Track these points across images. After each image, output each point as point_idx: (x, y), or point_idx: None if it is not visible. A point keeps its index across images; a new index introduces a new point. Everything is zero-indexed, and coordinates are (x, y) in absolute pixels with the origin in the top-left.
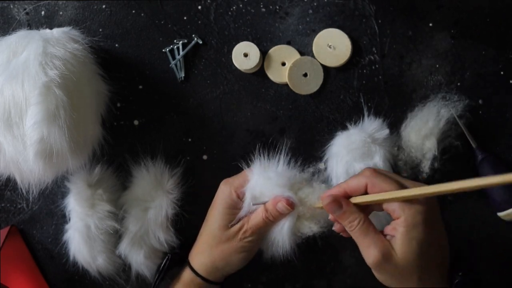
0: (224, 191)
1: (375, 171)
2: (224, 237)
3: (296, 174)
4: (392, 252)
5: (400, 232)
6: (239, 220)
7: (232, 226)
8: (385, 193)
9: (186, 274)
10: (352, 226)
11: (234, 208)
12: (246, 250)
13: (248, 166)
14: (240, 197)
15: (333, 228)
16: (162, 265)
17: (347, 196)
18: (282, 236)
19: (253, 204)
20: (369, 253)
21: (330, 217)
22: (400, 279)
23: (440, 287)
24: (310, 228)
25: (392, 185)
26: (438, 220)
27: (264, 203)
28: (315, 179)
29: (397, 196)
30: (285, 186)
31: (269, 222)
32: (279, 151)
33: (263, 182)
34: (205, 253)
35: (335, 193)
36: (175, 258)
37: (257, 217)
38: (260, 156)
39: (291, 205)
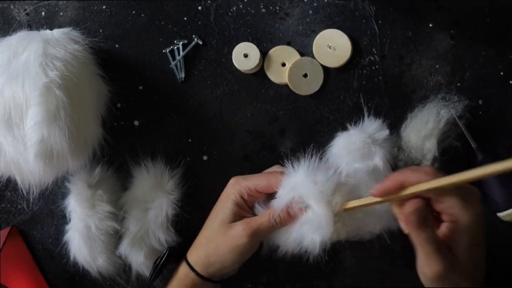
0: (232, 187)
1: (435, 169)
2: (221, 233)
3: (340, 183)
4: (456, 262)
5: (461, 237)
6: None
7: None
8: (444, 178)
9: (182, 269)
10: (427, 239)
11: (239, 207)
12: (239, 251)
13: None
14: (245, 199)
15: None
16: (159, 258)
17: (402, 186)
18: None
19: (298, 206)
20: (434, 267)
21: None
22: (456, 284)
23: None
24: (338, 234)
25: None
26: (484, 218)
27: (306, 206)
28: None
29: (468, 177)
30: (328, 193)
31: (274, 226)
32: (323, 156)
33: (308, 184)
34: (201, 247)
35: (392, 187)
36: (173, 253)
37: (262, 218)
38: (309, 157)
39: (302, 211)
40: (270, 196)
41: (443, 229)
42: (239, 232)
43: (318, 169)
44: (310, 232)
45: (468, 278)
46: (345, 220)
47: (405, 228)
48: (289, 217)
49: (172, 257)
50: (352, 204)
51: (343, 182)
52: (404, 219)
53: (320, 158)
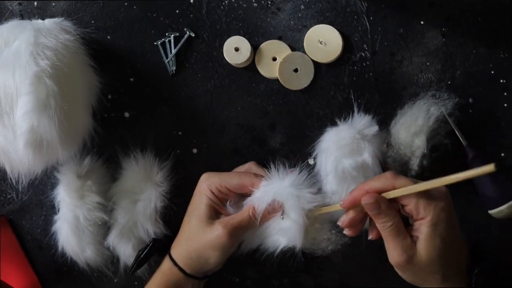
0: (203, 182)
1: (396, 173)
2: (201, 230)
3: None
4: (417, 254)
5: (425, 232)
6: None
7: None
8: (418, 184)
9: (166, 263)
10: (385, 226)
11: (212, 201)
12: (221, 248)
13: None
14: (216, 194)
15: (345, 233)
16: (143, 248)
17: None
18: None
19: (280, 215)
20: (395, 254)
21: (342, 221)
22: (424, 278)
23: (461, 284)
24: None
25: (412, 180)
26: (455, 216)
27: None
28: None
29: (432, 185)
30: (307, 212)
31: (252, 225)
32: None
33: (292, 198)
34: (182, 243)
35: (357, 196)
36: (158, 245)
37: (242, 215)
38: (297, 168)
39: (280, 207)
40: (242, 196)
41: (412, 227)
42: (219, 232)
43: (303, 184)
44: (281, 236)
45: (436, 274)
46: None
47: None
48: (268, 216)
49: (157, 249)
50: (323, 210)
51: (320, 206)
52: (366, 209)
53: (308, 172)
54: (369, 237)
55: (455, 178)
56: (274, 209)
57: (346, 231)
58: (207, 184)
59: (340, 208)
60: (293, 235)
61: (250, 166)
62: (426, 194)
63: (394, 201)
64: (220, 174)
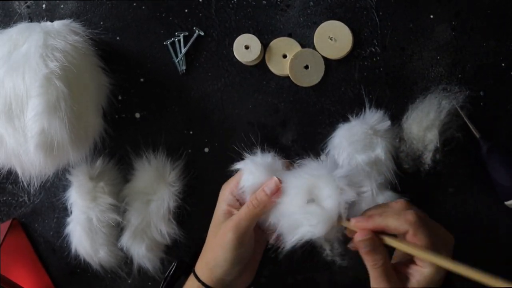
0: (223, 192)
1: (420, 219)
2: (213, 233)
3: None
4: None
5: (419, 281)
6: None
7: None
8: (425, 252)
9: (190, 281)
10: (375, 265)
11: (232, 206)
12: (229, 246)
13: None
14: (234, 196)
15: (348, 246)
16: (168, 272)
17: (379, 231)
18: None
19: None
20: None
21: (351, 245)
22: None
23: None
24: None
25: (430, 240)
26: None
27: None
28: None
29: (436, 261)
30: (275, 170)
31: (254, 211)
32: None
33: (254, 170)
34: (203, 255)
35: (371, 228)
36: (182, 266)
37: (242, 209)
38: (252, 150)
39: (278, 185)
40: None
41: (407, 264)
42: (224, 228)
43: (336, 165)
44: (307, 223)
45: None
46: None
47: (360, 251)
48: (266, 196)
49: (181, 270)
50: (349, 225)
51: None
52: (357, 245)
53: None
54: (349, 246)
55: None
56: (272, 190)
57: (350, 246)
58: (227, 189)
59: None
60: (321, 220)
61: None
62: (433, 243)
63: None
64: (232, 178)
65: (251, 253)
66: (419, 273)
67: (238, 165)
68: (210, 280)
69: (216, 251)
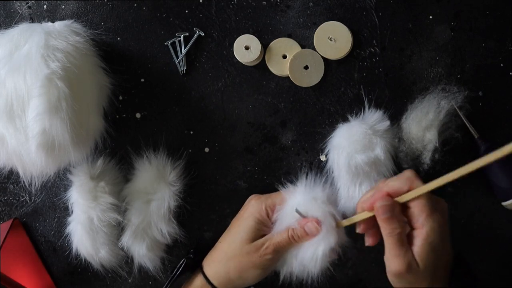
0: (255, 206)
1: (418, 174)
2: (244, 251)
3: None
4: (414, 264)
5: (422, 243)
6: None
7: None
8: (429, 184)
9: (198, 281)
10: (393, 232)
11: (263, 224)
12: (263, 267)
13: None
14: (269, 216)
15: (366, 243)
16: (176, 269)
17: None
18: (314, 260)
19: (296, 211)
20: (397, 263)
21: (360, 229)
22: (414, 284)
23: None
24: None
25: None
26: (448, 229)
27: (304, 217)
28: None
29: (440, 183)
30: (331, 206)
31: (293, 242)
32: (321, 175)
33: (309, 201)
34: (221, 263)
35: (384, 195)
36: (189, 263)
37: (282, 235)
38: (305, 177)
39: (319, 226)
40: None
41: (409, 235)
42: (265, 250)
43: (314, 186)
44: (313, 247)
45: (425, 281)
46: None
47: (377, 219)
48: (305, 234)
49: (188, 266)
50: (346, 222)
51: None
52: (375, 212)
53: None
54: (366, 244)
55: (474, 165)
56: (312, 231)
57: (366, 241)
58: (262, 207)
59: (371, 215)
60: (324, 234)
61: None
62: (431, 205)
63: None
64: (270, 195)
65: None
66: (419, 235)
67: (290, 191)
68: (223, 286)
69: (248, 267)
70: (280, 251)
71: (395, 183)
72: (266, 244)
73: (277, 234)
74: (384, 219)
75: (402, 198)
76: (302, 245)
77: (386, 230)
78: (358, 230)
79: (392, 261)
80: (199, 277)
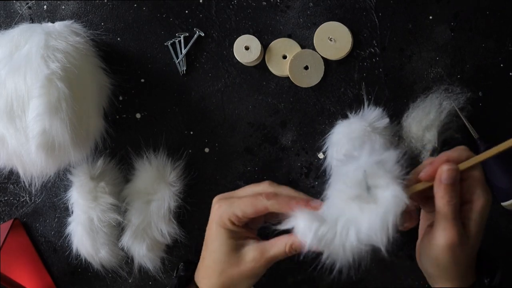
0: (217, 214)
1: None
2: (233, 262)
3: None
4: (465, 237)
5: (477, 218)
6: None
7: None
8: (494, 148)
9: None
10: (451, 201)
11: (236, 229)
12: (257, 275)
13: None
14: (234, 224)
15: (401, 228)
16: (178, 274)
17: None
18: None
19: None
20: (449, 233)
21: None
22: (456, 268)
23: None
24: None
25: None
26: None
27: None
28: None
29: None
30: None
31: (289, 255)
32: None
33: (373, 165)
34: (212, 278)
35: (447, 160)
36: (182, 282)
37: (278, 249)
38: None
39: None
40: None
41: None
42: (255, 263)
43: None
44: (379, 215)
45: (472, 255)
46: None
47: (436, 187)
48: (303, 249)
49: (181, 285)
50: (417, 187)
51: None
52: (436, 178)
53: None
54: (401, 228)
55: None
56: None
57: (404, 225)
58: (225, 218)
59: (429, 184)
60: (391, 205)
61: (264, 187)
62: (484, 178)
63: None
64: (232, 202)
65: None
66: (474, 208)
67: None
68: None
69: (240, 279)
70: (273, 261)
71: (453, 153)
72: (256, 255)
73: (271, 244)
74: (447, 186)
75: (463, 165)
76: (354, 217)
77: (445, 198)
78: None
79: (444, 233)
80: None
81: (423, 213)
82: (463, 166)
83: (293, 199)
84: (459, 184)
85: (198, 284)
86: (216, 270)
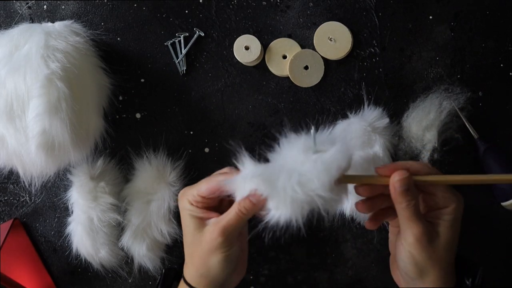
0: (181, 202)
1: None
2: (196, 242)
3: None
4: (435, 235)
5: (448, 219)
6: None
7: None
8: (455, 176)
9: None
10: (409, 205)
11: (200, 213)
12: (219, 252)
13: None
14: (195, 206)
15: (366, 226)
16: (157, 282)
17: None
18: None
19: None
20: (416, 229)
21: (361, 190)
22: (432, 264)
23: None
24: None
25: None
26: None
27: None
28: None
29: (468, 179)
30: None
31: (241, 218)
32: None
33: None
34: (188, 263)
35: (403, 168)
36: (170, 274)
37: (229, 214)
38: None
39: (264, 200)
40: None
41: (431, 213)
42: (211, 234)
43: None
44: (315, 174)
45: (447, 253)
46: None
47: (392, 194)
48: (253, 205)
49: (170, 277)
50: (353, 176)
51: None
52: (391, 186)
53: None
54: (367, 226)
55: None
56: (259, 201)
57: (367, 224)
58: (185, 200)
59: (383, 182)
60: (331, 162)
61: (227, 169)
62: (453, 189)
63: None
64: (191, 186)
65: (240, 248)
66: (446, 214)
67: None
68: (201, 285)
69: (206, 257)
70: (231, 231)
71: (416, 165)
72: (212, 227)
73: (224, 214)
74: (402, 192)
75: (425, 178)
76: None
77: (403, 203)
78: (358, 191)
79: (410, 231)
80: (182, 284)
81: (391, 229)
82: (424, 178)
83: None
84: (428, 195)
85: (186, 276)
86: (188, 255)
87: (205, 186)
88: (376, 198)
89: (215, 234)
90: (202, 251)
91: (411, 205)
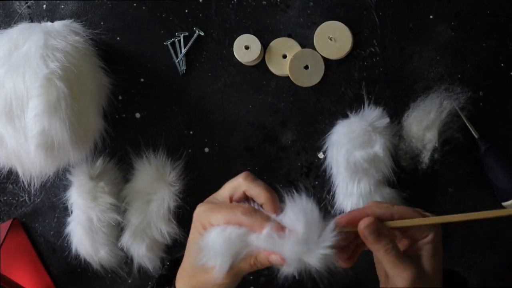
0: (196, 219)
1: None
2: (203, 268)
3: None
4: (424, 270)
5: (429, 249)
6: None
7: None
8: (425, 218)
9: None
10: (387, 250)
11: None
12: (223, 286)
13: None
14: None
15: (340, 265)
16: None
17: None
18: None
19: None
20: (405, 274)
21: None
22: None
23: None
24: None
25: (414, 213)
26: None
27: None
28: None
29: (436, 221)
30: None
31: (255, 268)
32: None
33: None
34: (185, 280)
35: (366, 214)
36: (162, 281)
37: (245, 261)
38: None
39: (284, 261)
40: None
41: (407, 245)
42: (219, 274)
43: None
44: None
45: (433, 283)
46: None
47: (366, 243)
48: (268, 264)
49: (162, 284)
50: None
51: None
52: (361, 236)
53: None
54: (343, 266)
55: (464, 216)
56: (277, 264)
57: (342, 264)
58: (197, 220)
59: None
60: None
61: (238, 181)
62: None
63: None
64: (210, 209)
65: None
66: (425, 244)
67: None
68: None
69: (206, 283)
70: (239, 276)
71: (376, 209)
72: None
73: (237, 260)
74: (373, 240)
75: (394, 224)
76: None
77: (380, 250)
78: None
79: (399, 277)
80: None
81: (375, 256)
82: (394, 224)
83: (266, 220)
84: (402, 231)
85: (176, 283)
86: (189, 273)
87: (223, 219)
88: (350, 244)
89: (222, 275)
90: (206, 281)
91: (389, 249)
